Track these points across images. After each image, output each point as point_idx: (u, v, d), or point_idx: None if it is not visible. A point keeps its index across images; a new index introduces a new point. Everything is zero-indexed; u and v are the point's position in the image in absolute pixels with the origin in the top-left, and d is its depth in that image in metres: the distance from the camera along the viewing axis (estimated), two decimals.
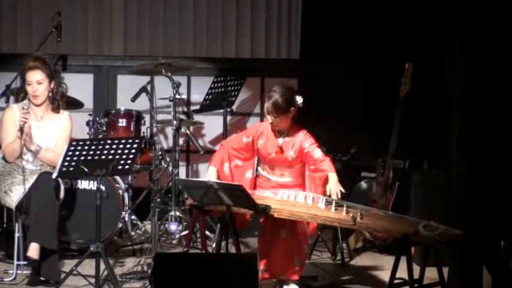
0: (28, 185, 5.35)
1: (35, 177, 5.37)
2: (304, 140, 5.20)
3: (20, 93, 5.62)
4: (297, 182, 5.25)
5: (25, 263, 5.35)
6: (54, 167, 5.43)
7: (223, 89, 7.14)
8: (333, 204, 4.89)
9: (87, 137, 6.62)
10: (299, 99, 5.19)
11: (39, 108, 5.55)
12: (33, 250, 5.16)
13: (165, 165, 6.77)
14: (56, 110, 5.59)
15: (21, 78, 5.58)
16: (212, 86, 7.14)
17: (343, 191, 5.00)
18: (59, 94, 5.59)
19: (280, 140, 5.25)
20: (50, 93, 5.55)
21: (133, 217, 6.64)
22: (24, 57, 5.68)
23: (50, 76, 5.52)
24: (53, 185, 5.32)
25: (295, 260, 5.13)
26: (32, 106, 5.52)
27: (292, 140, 5.22)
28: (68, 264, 5.59)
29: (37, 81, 5.48)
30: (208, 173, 5.24)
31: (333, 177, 5.05)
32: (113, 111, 6.70)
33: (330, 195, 4.99)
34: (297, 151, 5.19)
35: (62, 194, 5.52)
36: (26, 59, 5.57)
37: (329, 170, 5.08)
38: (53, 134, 5.57)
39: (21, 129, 5.30)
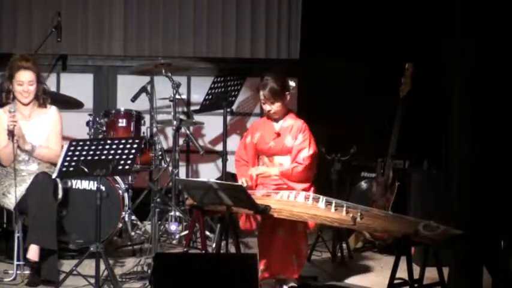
0: (26, 185, 5.35)
1: (32, 177, 5.36)
2: (300, 129, 5.23)
3: (2, 93, 5.57)
4: None
5: (25, 263, 5.35)
6: (51, 164, 5.44)
7: (223, 89, 7.13)
8: (333, 204, 4.89)
9: (87, 137, 6.61)
10: (292, 83, 5.27)
11: (26, 107, 5.53)
12: (33, 252, 5.17)
13: (165, 165, 6.77)
14: (42, 105, 5.58)
15: (9, 77, 5.52)
16: (212, 86, 7.14)
17: (254, 176, 5.19)
18: (41, 91, 5.57)
19: (278, 127, 5.29)
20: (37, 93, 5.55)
21: (133, 217, 6.64)
22: (11, 56, 5.63)
23: (38, 76, 5.53)
24: (50, 185, 5.31)
25: (293, 258, 5.14)
26: (19, 106, 5.50)
27: (290, 126, 5.26)
28: (68, 265, 5.59)
29: (29, 81, 5.46)
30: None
31: (270, 170, 5.21)
32: (113, 111, 6.70)
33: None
34: (294, 137, 5.21)
35: (60, 194, 5.52)
36: (15, 58, 5.52)
37: (281, 169, 5.17)
38: (43, 130, 5.55)
39: (11, 133, 5.29)
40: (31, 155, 5.46)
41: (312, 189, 5.25)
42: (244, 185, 5.13)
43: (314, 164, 5.25)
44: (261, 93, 5.24)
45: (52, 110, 5.62)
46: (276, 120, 5.32)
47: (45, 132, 5.55)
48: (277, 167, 5.29)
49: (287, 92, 5.26)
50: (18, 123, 5.35)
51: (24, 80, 5.45)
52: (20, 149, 5.41)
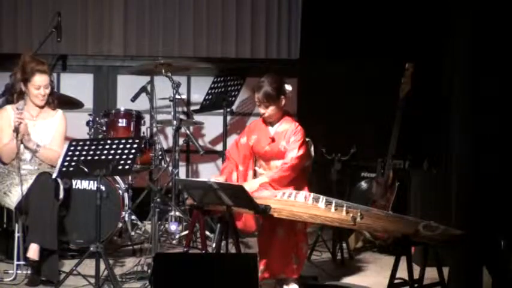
0: (27, 185, 5.35)
1: (33, 177, 5.37)
2: (293, 133, 5.22)
3: (14, 94, 5.58)
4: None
5: (25, 263, 5.35)
6: (52, 166, 5.45)
7: (223, 89, 7.14)
8: (333, 204, 4.89)
9: (87, 137, 6.61)
10: (288, 88, 5.24)
11: (34, 107, 5.55)
12: (33, 251, 5.17)
13: (165, 165, 6.77)
14: (51, 104, 5.61)
15: (23, 80, 5.52)
16: (212, 86, 7.14)
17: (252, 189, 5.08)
18: (52, 96, 5.62)
19: (272, 131, 5.27)
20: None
21: (133, 217, 6.64)
22: (22, 57, 5.62)
23: (51, 79, 5.58)
24: (52, 185, 5.32)
25: (293, 258, 5.13)
26: (29, 106, 5.52)
27: (285, 131, 5.25)
28: (68, 264, 5.59)
29: (45, 85, 5.51)
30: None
31: (261, 179, 5.15)
32: (113, 111, 6.70)
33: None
34: (287, 142, 5.21)
35: (61, 194, 5.52)
36: (28, 60, 5.53)
37: (270, 174, 5.15)
38: (49, 132, 5.58)
39: (16, 130, 5.31)
40: (35, 154, 5.47)
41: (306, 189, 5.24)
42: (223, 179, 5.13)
43: (300, 166, 5.20)
44: (256, 95, 5.22)
45: (59, 113, 5.66)
46: (271, 124, 5.30)
47: (51, 134, 5.58)
48: (274, 170, 5.26)
49: (282, 96, 5.22)
50: (25, 121, 5.37)
51: (41, 84, 5.49)
52: (23, 147, 5.43)
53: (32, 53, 5.79)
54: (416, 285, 4.72)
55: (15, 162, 5.44)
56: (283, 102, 5.24)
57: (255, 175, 5.36)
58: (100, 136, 6.58)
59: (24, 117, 5.38)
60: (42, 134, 5.55)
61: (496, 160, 4.76)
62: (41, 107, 5.57)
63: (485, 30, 4.76)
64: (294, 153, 5.19)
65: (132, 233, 6.54)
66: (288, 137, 5.22)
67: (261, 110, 5.23)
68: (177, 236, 6.53)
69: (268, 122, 5.30)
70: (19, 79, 5.52)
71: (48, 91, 5.54)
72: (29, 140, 5.42)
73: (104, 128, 6.63)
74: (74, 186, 6.00)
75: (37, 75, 5.48)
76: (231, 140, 7.27)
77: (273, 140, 5.24)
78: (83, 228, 5.95)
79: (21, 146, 5.42)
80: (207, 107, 7.22)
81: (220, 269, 4.43)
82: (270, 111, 5.20)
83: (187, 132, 6.91)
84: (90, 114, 6.83)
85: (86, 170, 4.97)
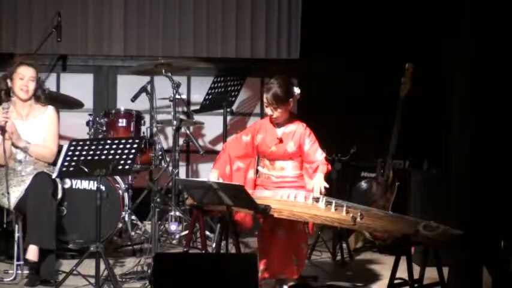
0: (24, 186, 5.35)
1: (30, 177, 5.37)
2: (304, 134, 5.21)
3: (1, 91, 5.59)
4: (297, 176, 5.25)
5: (24, 263, 5.35)
6: (47, 163, 5.45)
7: (223, 89, 7.14)
8: (333, 204, 4.89)
9: (87, 137, 6.61)
10: (297, 90, 5.24)
11: (24, 106, 5.54)
12: (32, 252, 5.17)
13: (165, 165, 6.77)
14: (42, 102, 5.61)
15: (10, 74, 5.54)
16: (212, 86, 7.14)
17: (327, 186, 5.02)
18: (40, 90, 5.62)
19: (280, 132, 5.26)
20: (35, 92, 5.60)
21: (133, 217, 6.64)
22: (11, 56, 5.67)
23: (38, 76, 5.59)
24: (49, 184, 5.31)
25: (293, 258, 5.14)
26: (17, 105, 5.52)
27: (292, 132, 5.23)
28: (68, 264, 5.59)
29: (30, 77, 5.51)
30: (210, 177, 5.22)
31: (319, 176, 5.08)
32: (113, 111, 6.70)
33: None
34: (296, 143, 5.20)
35: (59, 194, 5.52)
36: (16, 58, 5.58)
37: (319, 171, 5.11)
38: (40, 129, 5.56)
39: (1, 129, 5.29)
40: (26, 152, 5.46)
41: None
42: (215, 176, 5.12)
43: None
44: (265, 96, 5.21)
45: (49, 109, 5.64)
46: (279, 125, 5.29)
47: (42, 132, 5.57)
48: (278, 170, 5.27)
49: (291, 99, 5.20)
50: (11, 120, 5.36)
51: (26, 74, 5.50)
52: (15, 147, 5.41)
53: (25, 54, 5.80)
54: (416, 285, 4.73)
55: (12, 163, 5.42)
56: (291, 104, 5.23)
57: (257, 174, 5.36)
58: (100, 136, 6.58)
59: (10, 116, 5.36)
60: (33, 133, 5.53)
61: (496, 160, 4.76)
62: (25, 101, 5.53)
63: (485, 30, 4.77)
64: (320, 152, 5.19)
65: (132, 233, 6.54)
66: (297, 140, 5.20)
67: (269, 111, 5.21)
68: (177, 236, 6.53)
69: (276, 123, 5.28)
70: (7, 75, 5.54)
71: (32, 86, 5.52)
72: (17, 138, 5.40)
73: (104, 128, 6.63)
74: (74, 186, 6.00)
75: (22, 66, 5.50)
76: None
77: (280, 140, 5.23)
78: (83, 228, 5.95)
79: (12, 147, 5.40)
80: (207, 107, 7.22)
81: (220, 269, 4.43)
82: (277, 113, 5.18)
83: (187, 132, 6.91)
84: (90, 114, 6.83)
85: (86, 170, 4.97)
